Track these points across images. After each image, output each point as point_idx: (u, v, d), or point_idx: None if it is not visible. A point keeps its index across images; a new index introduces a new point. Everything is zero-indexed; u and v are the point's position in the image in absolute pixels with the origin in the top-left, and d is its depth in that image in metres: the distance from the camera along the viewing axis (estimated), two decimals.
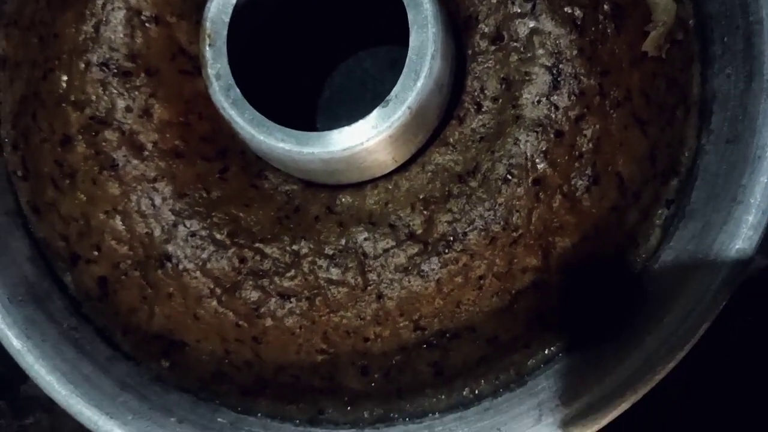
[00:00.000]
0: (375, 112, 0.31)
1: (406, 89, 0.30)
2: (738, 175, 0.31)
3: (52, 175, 0.36)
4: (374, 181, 0.35)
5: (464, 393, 0.35)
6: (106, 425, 0.33)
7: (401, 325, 0.34)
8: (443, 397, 0.35)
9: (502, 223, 0.33)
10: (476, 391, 0.35)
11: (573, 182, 0.33)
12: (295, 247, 0.34)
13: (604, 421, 0.30)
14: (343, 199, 0.35)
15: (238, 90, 0.32)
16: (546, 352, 0.35)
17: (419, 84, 0.30)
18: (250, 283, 0.34)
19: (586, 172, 0.33)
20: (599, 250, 0.34)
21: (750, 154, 0.31)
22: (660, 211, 0.35)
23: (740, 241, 0.30)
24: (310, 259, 0.34)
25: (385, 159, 0.33)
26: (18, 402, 0.46)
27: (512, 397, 0.34)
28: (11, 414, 0.46)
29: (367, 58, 0.41)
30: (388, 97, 0.31)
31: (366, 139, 0.31)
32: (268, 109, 0.32)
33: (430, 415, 0.35)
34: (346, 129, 0.31)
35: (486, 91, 0.34)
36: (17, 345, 0.34)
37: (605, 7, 0.33)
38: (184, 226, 0.35)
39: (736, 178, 0.31)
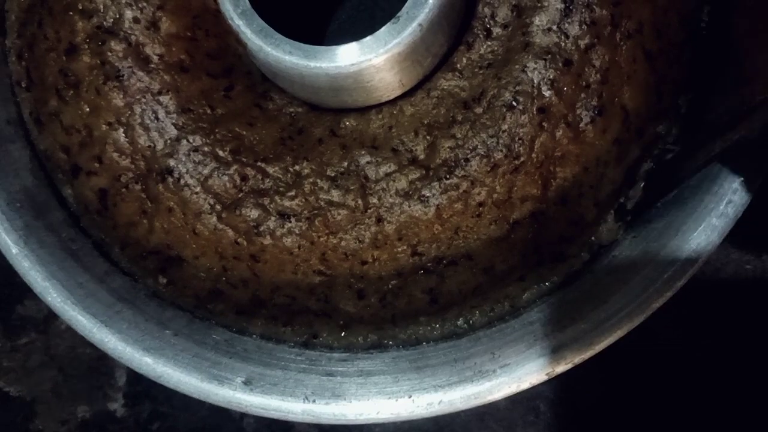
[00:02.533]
0: (385, 28, 0.31)
1: (418, 6, 0.30)
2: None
3: (56, 84, 0.35)
4: (379, 106, 0.35)
5: (458, 323, 0.35)
6: (100, 333, 0.33)
7: (399, 249, 0.34)
8: (437, 326, 0.35)
9: (504, 150, 0.33)
10: (470, 321, 0.35)
11: (578, 112, 0.33)
12: (297, 167, 0.34)
13: (599, 347, 0.30)
14: (347, 123, 0.35)
15: (247, 1, 0.31)
16: (541, 285, 0.35)
17: (431, 1, 0.30)
18: (251, 201, 0.34)
19: (592, 102, 0.33)
20: (599, 183, 0.34)
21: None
22: (662, 149, 0.34)
23: None
24: (311, 180, 0.34)
25: (392, 80, 0.33)
26: (12, 322, 0.46)
27: (506, 328, 0.34)
28: (5, 334, 0.46)
29: None
30: (399, 14, 0.30)
31: (374, 55, 0.31)
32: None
33: (424, 344, 0.35)
34: (355, 44, 0.31)
35: (496, 18, 0.33)
36: (14, 250, 0.34)
37: None
38: (187, 141, 0.34)
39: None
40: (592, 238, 0.34)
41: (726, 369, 0.41)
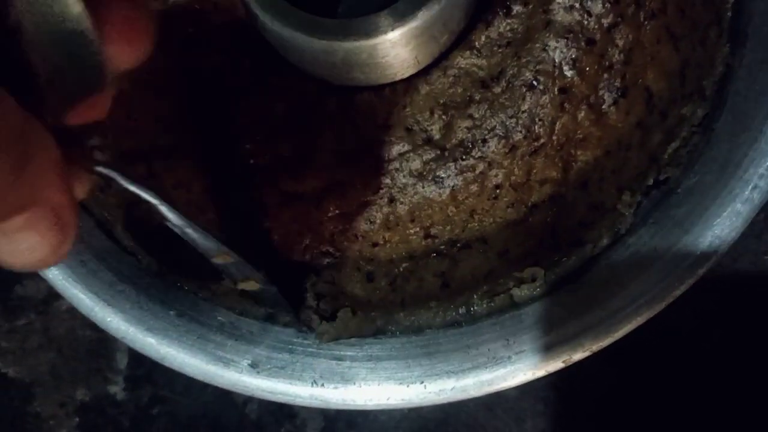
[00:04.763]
0: (402, 2, 0.30)
1: None
2: None
3: None
4: (393, 84, 0.34)
5: (470, 308, 0.34)
6: (103, 312, 0.32)
7: (411, 231, 0.33)
8: (448, 311, 0.34)
9: (523, 131, 0.32)
10: (482, 307, 0.34)
11: (600, 93, 0.32)
12: (306, 145, 0.33)
13: (617, 335, 0.30)
14: (360, 101, 0.34)
15: None
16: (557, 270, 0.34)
17: None
18: (259, 177, 0.33)
19: (615, 83, 0.32)
20: (621, 167, 0.33)
21: None
22: (685, 134, 0.33)
23: None
24: (321, 158, 0.33)
25: (408, 57, 0.32)
26: (11, 303, 0.45)
27: (520, 314, 0.33)
28: (3, 315, 0.45)
29: None
30: None
31: (391, 29, 0.30)
32: None
33: (434, 330, 0.34)
34: (371, 17, 0.30)
35: None
36: None
37: None
38: None
39: None
40: (613, 223, 0.33)
41: (739, 362, 0.40)
